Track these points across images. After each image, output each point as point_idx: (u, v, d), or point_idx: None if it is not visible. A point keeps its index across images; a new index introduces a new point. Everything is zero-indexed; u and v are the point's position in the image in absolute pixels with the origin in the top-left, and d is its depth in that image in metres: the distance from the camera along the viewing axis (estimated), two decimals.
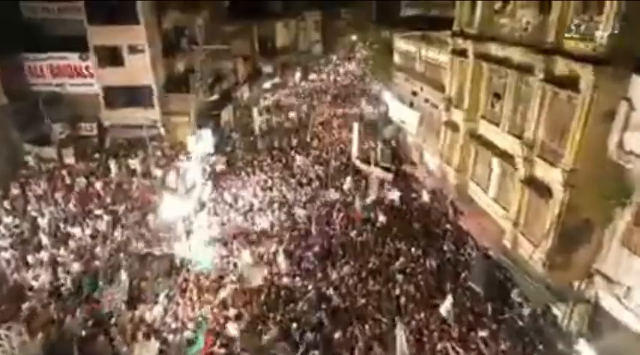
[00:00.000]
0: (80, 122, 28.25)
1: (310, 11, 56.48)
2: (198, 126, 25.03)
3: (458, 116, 20.85)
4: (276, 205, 20.96)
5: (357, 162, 25.89)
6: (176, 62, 31.27)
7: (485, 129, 18.88)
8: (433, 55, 24.92)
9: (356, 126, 25.97)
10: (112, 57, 26.84)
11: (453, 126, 21.52)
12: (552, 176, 13.96)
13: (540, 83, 14.34)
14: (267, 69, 44.34)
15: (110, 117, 28.35)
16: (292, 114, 36.50)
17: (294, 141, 29.51)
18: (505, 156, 17.06)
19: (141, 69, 27.02)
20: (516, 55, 15.94)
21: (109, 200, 21.57)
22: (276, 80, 46.04)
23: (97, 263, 16.51)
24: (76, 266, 16.18)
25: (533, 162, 15.04)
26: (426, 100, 25.04)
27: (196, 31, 38.19)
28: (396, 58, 31.07)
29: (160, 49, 28.68)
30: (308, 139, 29.90)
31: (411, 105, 26.71)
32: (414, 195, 22.86)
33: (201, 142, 23.83)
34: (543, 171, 14.61)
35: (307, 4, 56.15)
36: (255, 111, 31.41)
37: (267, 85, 42.60)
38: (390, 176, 24.38)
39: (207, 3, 40.83)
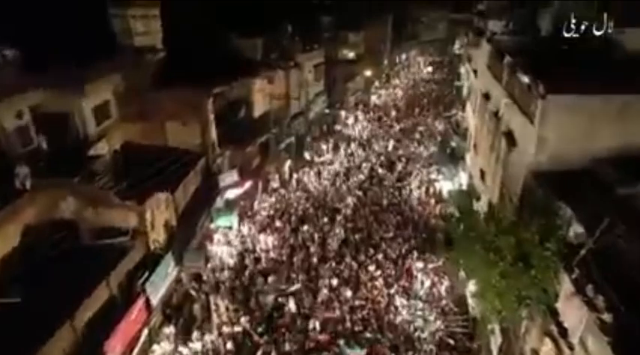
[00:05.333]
0: None
1: (308, 53, 36.70)
2: None
3: None
4: None
5: None
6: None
7: None
8: None
9: None
10: None
11: None
12: None
13: None
14: (230, 177, 25.05)
15: None
16: None
17: None
18: None
19: None
20: None
21: None
22: (245, 187, 26.63)
23: None
24: None
25: None
26: None
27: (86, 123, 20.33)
28: None
29: None
30: None
31: None
32: None
33: None
34: None
35: (300, 33, 36.54)
36: None
37: (221, 221, 22.94)
38: None
39: (119, 62, 22.18)
